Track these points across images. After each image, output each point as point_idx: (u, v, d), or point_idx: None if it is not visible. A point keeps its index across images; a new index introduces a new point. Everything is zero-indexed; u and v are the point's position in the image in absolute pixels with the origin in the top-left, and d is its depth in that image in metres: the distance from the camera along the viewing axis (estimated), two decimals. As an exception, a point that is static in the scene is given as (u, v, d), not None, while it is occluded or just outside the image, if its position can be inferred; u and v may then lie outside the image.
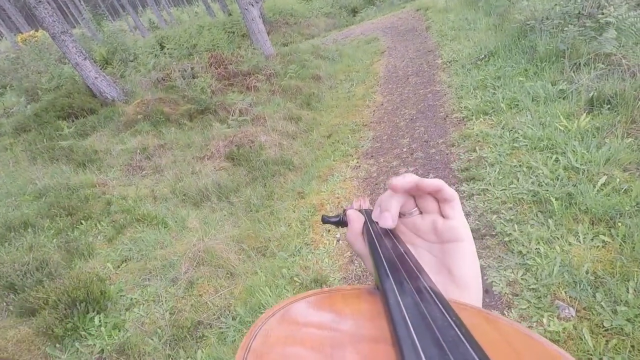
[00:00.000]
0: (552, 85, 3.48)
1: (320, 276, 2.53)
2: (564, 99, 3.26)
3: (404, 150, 3.81)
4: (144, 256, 3.15)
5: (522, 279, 1.90)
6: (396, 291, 0.25)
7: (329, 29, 13.05)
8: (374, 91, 5.91)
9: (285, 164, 4.41)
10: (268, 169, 4.30)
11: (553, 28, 4.10)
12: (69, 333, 2.32)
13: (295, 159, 4.54)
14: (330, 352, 0.21)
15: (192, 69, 7.59)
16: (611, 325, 1.57)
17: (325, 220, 0.49)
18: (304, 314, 0.26)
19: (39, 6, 5.60)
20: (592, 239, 1.97)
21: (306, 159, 4.44)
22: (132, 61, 8.96)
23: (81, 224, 3.64)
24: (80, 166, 4.80)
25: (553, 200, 2.22)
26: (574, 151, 2.56)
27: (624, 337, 1.53)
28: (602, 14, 3.64)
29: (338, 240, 2.82)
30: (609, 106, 2.86)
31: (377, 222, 0.35)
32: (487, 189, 2.65)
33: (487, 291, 1.92)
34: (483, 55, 5.05)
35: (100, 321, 2.46)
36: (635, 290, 1.66)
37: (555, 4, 4.31)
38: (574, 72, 3.47)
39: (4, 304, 2.59)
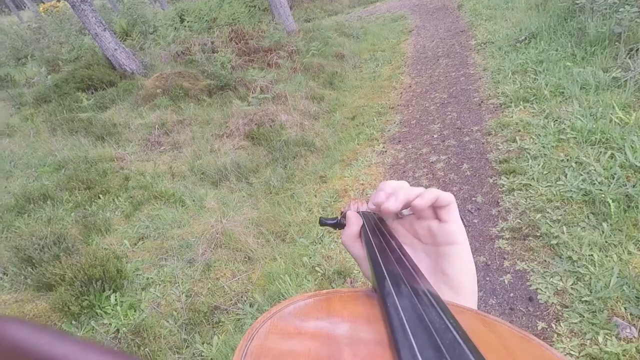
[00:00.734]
0: (603, 73, 3.18)
1: (343, 268, 2.40)
2: (618, 87, 2.97)
3: (435, 136, 3.59)
4: (160, 235, 3.07)
5: (572, 288, 1.72)
6: (394, 293, 0.25)
7: (353, 6, 12.55)
8: (401, 72, 5.62)
9: (306, 146, 4.24)
10: (289, 150, 4.14)
11: (606, 8, 3.73)
12: (85, 311, 2.27)
13: (317, 141, 4.37)
14: (327, 354, 0.21)
15: (212, 43, 7.39)
16: (679, 347, 1.39)
17: (322, 222, 0.48)
18: (302, 316, 0.26)
19: (60, -28, 5.46)
20: (653, 247, 1.77)
21: (328, 141, 4.26)
22: (151, 33, 8.80)
23: (99, 198, 3.58)
24: (99, 139, 4.74)
25: (609, 201, 2.00)
26: (632, 147, 2.31)
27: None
28: (666, -7, 3.28)
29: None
30: (671, 97, 2.57)
31: (375, 223, 0.36)
32: (530, 184, 2.43)
33: (530, 299, 1.76)
34: (523, 37, 4.70)
35: (116, 300, 2.40)
36: None
37: (610, -18, 3.92)
38: (630, 58, 3.15)
39: (22, 277, 2.55)
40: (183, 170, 4.01)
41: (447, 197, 0.33)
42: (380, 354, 0.21)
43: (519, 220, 2.22)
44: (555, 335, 1.57)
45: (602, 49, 3.48)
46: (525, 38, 4.66)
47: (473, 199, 2.62)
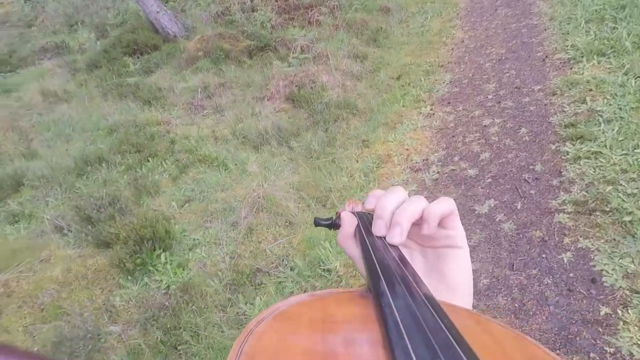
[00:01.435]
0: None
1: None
2: None
3: (489, 97, 3.29)
4: (205, 198, 3.15)
5: (646, 270, 1.54)
6: (388, 294, 0.25)
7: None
8: (453, 25, 5.15)
9: (348, 108, 4.09)
10: (330, 112, 4.02)
11: None
12: (139, 268, 2.42)
13: (359, 103, 4.19)
14: (322, 355, 0.21)
15: (251, 1, 7.18)
16: None
17: (317, 223, 0.47)
18: (297, 316, 0.25)
19: None
20: None
21: (372, 103, 4.07)
22: (193, -6, 8.69)
23: (148, 161, 3.73)
24: (146, 103, 4.87)
25: (700, 172, 1.73)
26: None
27: None
28: None
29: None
30: None
31: (370, 224, 0.36)
32: (601, 152, 2.17)
33: (593, 281, 1.60)
34: (600, -21, 4.06)
35: (166, 259, 2.53)
36: None
37: None
38: None
39: (84, 234, 2.76)
40: (225, 134, 4.04)
41: (450, 207, 0.33)
42: (374, 354, 0.21)
43: (585, 193, 2.00)
44: (622, 323, 1.42)
45: None
46: (604, -20, 4.02)
47: (531, 167, 2.40)
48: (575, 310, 1.55)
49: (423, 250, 0.36)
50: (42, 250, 2.58)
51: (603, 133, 2.28)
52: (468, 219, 2.20)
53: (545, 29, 3.92)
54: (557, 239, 1.87)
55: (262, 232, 2.75)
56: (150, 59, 6.06)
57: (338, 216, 0.45)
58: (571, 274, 1.68)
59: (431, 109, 3.48)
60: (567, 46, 3.37)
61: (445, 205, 0.32)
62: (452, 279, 0.33)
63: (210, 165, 3.54)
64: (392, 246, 0.33)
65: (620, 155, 2.10)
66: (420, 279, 0.28)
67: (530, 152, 2.52)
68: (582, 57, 3.09)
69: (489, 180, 2.41)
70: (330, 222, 0.46)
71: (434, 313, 0.23)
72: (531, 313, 1.60)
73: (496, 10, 5.01)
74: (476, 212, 2.21)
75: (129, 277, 2.42)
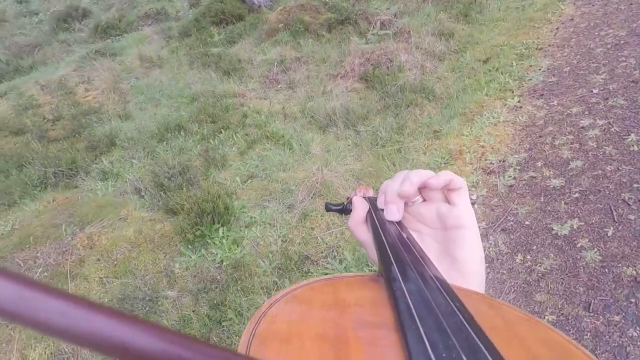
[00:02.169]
0: None
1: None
2: None
3: (595, 91, 2.78)
4: (267, 176, 3.22)
5: None
6: (400, 278, 0.25)
7: None
8: None
9: (424, 92, 3.80)
10: (403, 96, 3.77)
11: None
12: (198, 239, 2.58)
13: (437, 87, 3.87)
14: (333, 338, 0.21)
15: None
16: None
17: (328, 208, 0.48)
18: (308, 300, 0.26)
19: None
20: None
21: (451, 89, 3.72)
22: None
23: (220, 132, 3.90)
24: (225, 74, 5.06)
25: None
26: None
27: None
28: None
29: (473, 204, 2.32)
30: None
31: (382, 210, 0.36)
32: None
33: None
34: None
35: (223, 233, 2.66)
36: None
37: None
38: None
39: (156, 199, 3.01)
40: (295, 111, 4.05)
41: (460, 181, 0.33)
42: (386, 337, 0.21)
43: None
44: None
45: None
46: None
47: (635, 185, 1.99)
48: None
49: (434, 235, 0.36)
50: (121, 209, 2.89)
51: None
52: (542, 237, 1.92)
53: (689, 8, 3.15)
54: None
55: (316, 219, 2.74)
56: (234, 29, 6.23)
57: (349, 201, 0.45)
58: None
59: (519, 101, 3.06)
60: None
61: (455, 177, 0.33)
62: (464, 263, 0.33)
63: (276, 142, 3.59)
64: (404, 231, 0.33)
65: None
66: (432, 263, 0.28)
67: (637, 167, 2.09)
68: None
69: (577, 195, 2.06)
70: (341, 207, 0.47)
71: (446, 296, 0.23)
72: (602, 366, 1.36)
73: (624, -19, 4.15)
74: (553, 232, 1.92)
75: (189, 247, 2.60)
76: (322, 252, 2.50)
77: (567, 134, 2.51)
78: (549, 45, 3.68)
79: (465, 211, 0.34)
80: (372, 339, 0.21)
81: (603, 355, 1.39)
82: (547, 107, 2.85)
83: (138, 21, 9.21)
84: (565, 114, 2.70)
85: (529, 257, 1.83)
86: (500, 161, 2.55)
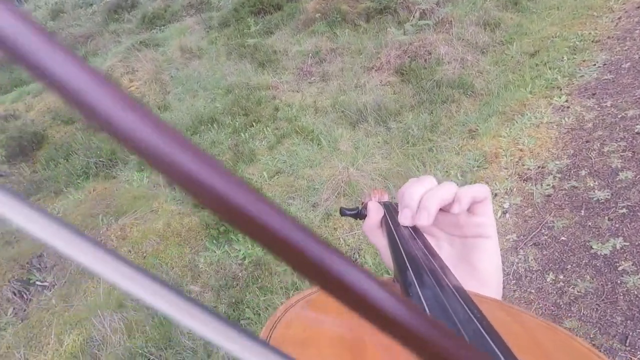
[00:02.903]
0: None
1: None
2: None
3: (656, 93, 2.48)
4: (294, 172, 3.22)
5: None
6: (416, 284, 0.25)
7: None
8: (630, -16, 3.95)
9: (462, 87, 3.60)
10: (440, 92, 3.60)
11: None
12: (221, 235, 2.63)
13: (477, 82, 3.64)
14: (350, 343, 0.21)
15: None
16: None
17: (343, 212, 0.47)
18: (323, 305, 0.25)
19: None
20: None
21: (492, 85, 3.49)
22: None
23: (252, 126, 3.94)
24: (260, 66, 5.08)
25: None
26: None
27: None
28: None
29: (504, 213, 2.17)
30: None
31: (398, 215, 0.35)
32: None
33: None
34: None
35: (247, 230, 2.69)
36: None
37: None
38: None
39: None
40: (326, 105, 3.99)
41: (483, 192, 0.32)
42: None
43: None
44: None
45: None
46: None
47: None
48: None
49: (451, 240, 0.35)
50: (153, 201, 3.01)
51: None
52: (578, 256, 1.76)
53: None
54: None
55: (339, 219, 2.70)
56: (272, 19, 6.22)
57: (364, 206, 0.44)
58: None
59: (566, 101, 2.81)
60: None
61: (479, 189, 0.32)
62: (481, 270, 0.32)
63: (305, 138, 3.57)
64: (420, 236, 0.33)
65: None
66: (449, 270, 0.28)
67: (700, 182, 1.84)
68: None
69: (623, 210, 1.86)
70: (356, 212, 0.46)
71: (464, 304, 0.22)
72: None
73: None
74: (592, 251, 1.75)
75: (214, 242, 2.66)
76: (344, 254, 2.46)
77: (618, 140, 2.27)
78: (608, 37, 3.32)
79: (487, 221, 0.33)
80: (389, 345, 0.20)
81: (637, 398, 1.25)
82: (599, 109, 2.59)
83: (182, 11, 9.44)
84: (619, 116, 2.43)
85: (561, 277, 1.69)
86: (538, 167, 2.36)
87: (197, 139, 3.93)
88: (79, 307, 2.26)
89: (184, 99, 5.14)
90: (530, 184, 2.27)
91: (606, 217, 1.87)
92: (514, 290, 1.72)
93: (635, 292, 1.55)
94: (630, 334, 1.43)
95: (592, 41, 3.35)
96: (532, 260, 1.81)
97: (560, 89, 2.95)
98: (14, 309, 2.42)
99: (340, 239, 2.57)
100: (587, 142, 2.37)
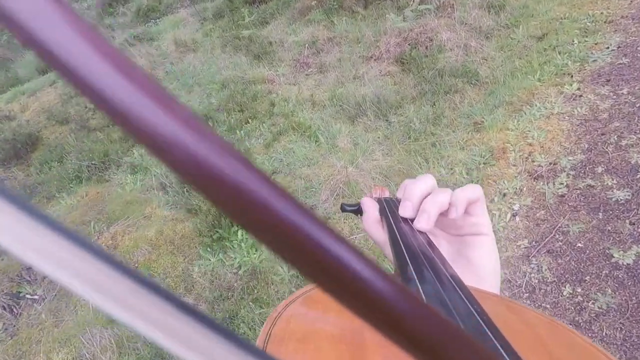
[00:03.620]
0: None
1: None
2: None
3: (678, 78, 2.29)
4: (291, 171, 3.08)
5: None
6: (416, 278, 0.25)
7: None
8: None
9: (466, 76, 3.41)
10: (442, 81, 3.41)
11: None
12: (215, 242, 2.52)
13: (481, 70, 3.45)
14: (350, 338, 0.21)
15: None
16: None
17: (343, 208, 0.47)
18: (323, 301, 0.25)
19: None
20: None
21: (497, 72, 3.30)
22: None
23: (248, 122, 3.80)
24: (255, 58, 4.91)
25: None
26: None
27: None
28: None
29: (514, 216, 2.02)
30: None
31: (398, 209, 0.36)
32: None
33: None
34: None
35: (242, 236, 2.58)
36: None
37: None
38: None
39: (179, 196, 2.99)
40: (323, 99, 3.83)
41: (476, 193, 0.33)
42: None
43: None
44: None
45: None
46: None
47: None
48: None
49: (449, 239, 0.37)
50: (146, 206, 2.90)
51: None
52: (597, 266, 1.62)
53: None
54: None
55: (339, 222, 2.58)
56: (267, 9, 6.01)
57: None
58: None
59: (578, 89, 2.62)
60: None
61: (472, 191, 0.33)
62: (479, 265, 0.33)
63: (302, 134, 3.42)
64: (420, 232, 0.33)
65: None
66: (449, 265, 0.28)
67: None
68: None
69: (646, 212, 1.71)
70: (356, 207, 0.47)
71: (464, 298, 0.23)
72: None
73: None
74: (613, 260, 1.61)
75: (209, 249, 2.55)
76: (343, 261, 2.34)
77: (637, 132, 2.09)
78: (622, 17, 3.10)
79: (483, 220, 0.34)
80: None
81: None
82: (614, 97, 2.40)
83: (176, 2, 9.20)
84: (638, 105, 2.25)
85: (579, 290, 1.55)
86: (550, 164, 2.20)
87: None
88: (69, 323, 2.17)
89: (179, 95, 4.98)
90: (541, 183, 2.12)
91: (627, 221, 1.71)
92: (528, 304, 1.59)
93: (661, 306, 1.41)
94: (657, 355, 1.30)
95: (605, 22, 3.13)
96: (546, 270, 1.67)
97: (572, 76, 2.76)
98: (3, 324, 2.34)
99: (340, 243, 2.44)
100: (602, 134, 2.20)
